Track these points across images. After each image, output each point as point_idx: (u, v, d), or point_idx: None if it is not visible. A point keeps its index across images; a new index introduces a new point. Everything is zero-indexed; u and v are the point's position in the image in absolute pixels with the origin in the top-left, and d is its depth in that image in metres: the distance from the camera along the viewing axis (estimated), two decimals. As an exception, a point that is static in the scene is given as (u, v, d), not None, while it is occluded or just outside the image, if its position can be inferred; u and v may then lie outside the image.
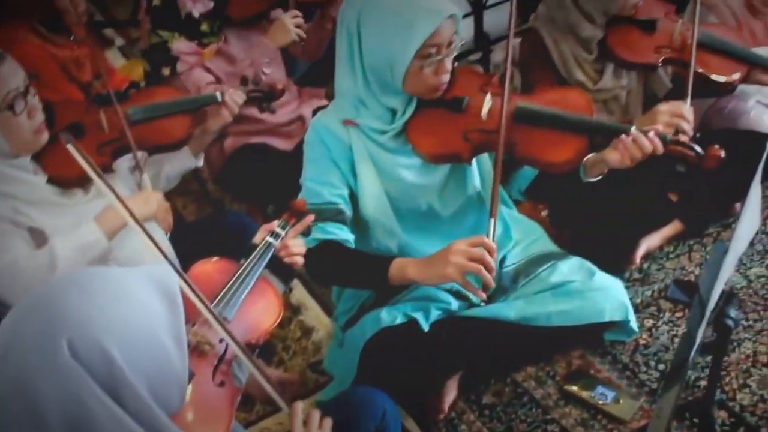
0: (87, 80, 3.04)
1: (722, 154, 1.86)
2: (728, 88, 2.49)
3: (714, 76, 2.41)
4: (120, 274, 1.10)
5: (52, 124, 2.08)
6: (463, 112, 1.92)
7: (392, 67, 1.81)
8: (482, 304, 1.84)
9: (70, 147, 1.24)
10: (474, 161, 2.00)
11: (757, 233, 2.68)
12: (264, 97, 2.50)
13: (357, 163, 1.93)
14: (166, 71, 2.66)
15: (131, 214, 1.32)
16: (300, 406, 1.36)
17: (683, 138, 1.92)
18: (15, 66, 1.94)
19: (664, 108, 2.11)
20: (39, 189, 1.99)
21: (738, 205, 2.80)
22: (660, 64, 2.40)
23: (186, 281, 1.23)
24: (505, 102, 1.85)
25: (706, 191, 2.57)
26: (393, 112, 1.92)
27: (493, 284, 1.78)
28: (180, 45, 2.65)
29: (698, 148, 1.87)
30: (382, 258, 1.91)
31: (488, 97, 1.92)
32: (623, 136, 1.86)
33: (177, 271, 1.18)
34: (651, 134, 1.85)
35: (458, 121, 1.91)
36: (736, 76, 2.43)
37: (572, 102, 1.98)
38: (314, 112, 2.89)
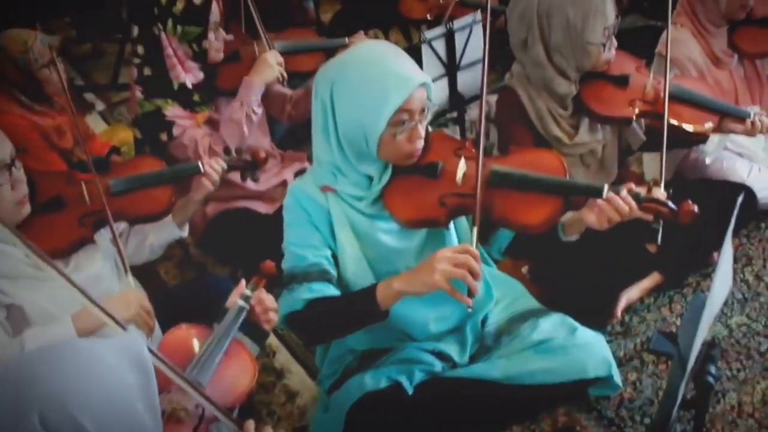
0: (68, 147, 3.06)
1: (695, 209, 1.88)
2: (701, 138, 2.54)
3: (687, 126, 2.44)
4: (90, 346, 1.10)
5: (34, 195, 2.10)
6: (438, 178, 1.94)
7: (366, 136, 1.83)
8: (468, 310, 1.83)
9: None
10: (451, 224, 2.02)
11: (735, 281, 2.71)
12: (248, 166, 2.51)
13: (336, 227, 1.95)
14: (163, 136, 2.68)
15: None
16: (252, 424, 1.37)
17: (657, 195, 1.94)
18: (2, 138, 1.98)
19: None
20: (19, 262, 1.98)
21: (716, 255, 2.82)
22: (634, 117, 2.44)
23: (157, 356, 1.23)
24: (479, 166, 1.87)
25: (683, 242, 2.59)
26: (370, 178, 1.94)
27: (478, 291, 1.78)
28: (175, 110, 2.68)
29: (672, 204, 1.89)
30: (366, 288, 1.91)
31: (462, 161, 1.95)
32: (599, 199, 1.87)
33: (149, 349, 1.18)
34: (624, 193, 1.87)
35: (434, 187, 1.93)
36: (709, 125, 2.47)
37: (545, 163, 2.00)
38: (296, 176, 2.94)
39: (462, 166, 1.93)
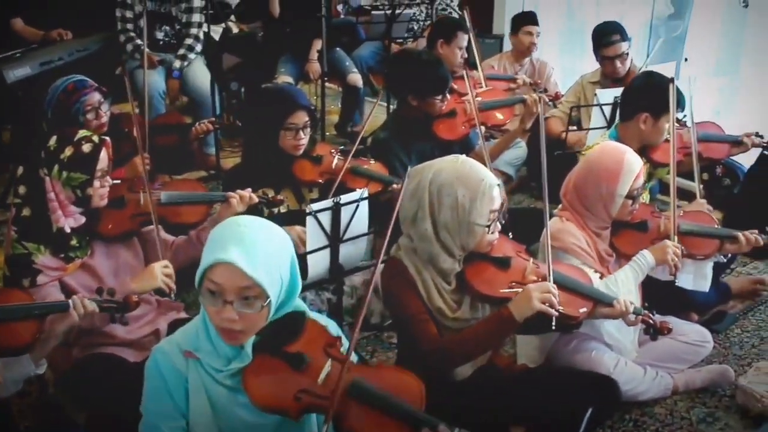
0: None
1: None
2: (574, 323, 2.61)
3: (564, 312, 2.51)
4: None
5: None
6: (301, 371, 1.92)
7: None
8: None
9: None
10: None
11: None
12: (117, 308, 2.44)
13: (191, 396, 1.90)
14: (26, 282, 2.57)
15: None
16: None
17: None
18: None
19: (533, 286, 2.37)
20: None
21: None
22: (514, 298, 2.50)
23: None
24: (342, 373, 1.88)
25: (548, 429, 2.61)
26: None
27: None
28: (45, 259, 2.60)
29: None
30: None
31: (329, 362, 1.95)
32: None
33: None
34: None
35: (295, 379, 1.91)
36: (583, 311, 2.55)
37: (407, 389, 1.99)
38: (170, 325, 2.87)
39: (327, 367, 1.93)
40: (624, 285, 2.80)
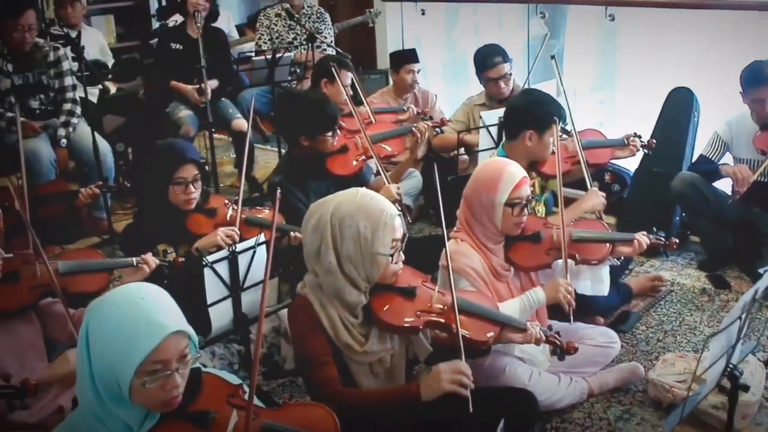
0: None
1: None
2: (484, 348, 2.63)
3: (471, 337, 2.53)
4: None
5: None
6: (208, 428, 1.86)
7: (118, 382, 1.75)
8: None
9: None
10: None
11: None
12: (15, 394, 2.31)
13: None
14: None
15: None
16: None
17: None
18: None
19: (444, 367, 2.31)
20: None
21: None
22: (422, 327, 2.52)
23: None
24: (248, 419, 1.83)
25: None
26: (130, 426, 1.82)
27: None
28: None
29: None
30: None
31: (234, 413, 1.90)
32: None
33: None
34: None
35: None
36: (491, 335, 2.57)
37: (318, 421, 2.00)
38: (74, 402, 2.75)
39: (234, 419, 1.88)
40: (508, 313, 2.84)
